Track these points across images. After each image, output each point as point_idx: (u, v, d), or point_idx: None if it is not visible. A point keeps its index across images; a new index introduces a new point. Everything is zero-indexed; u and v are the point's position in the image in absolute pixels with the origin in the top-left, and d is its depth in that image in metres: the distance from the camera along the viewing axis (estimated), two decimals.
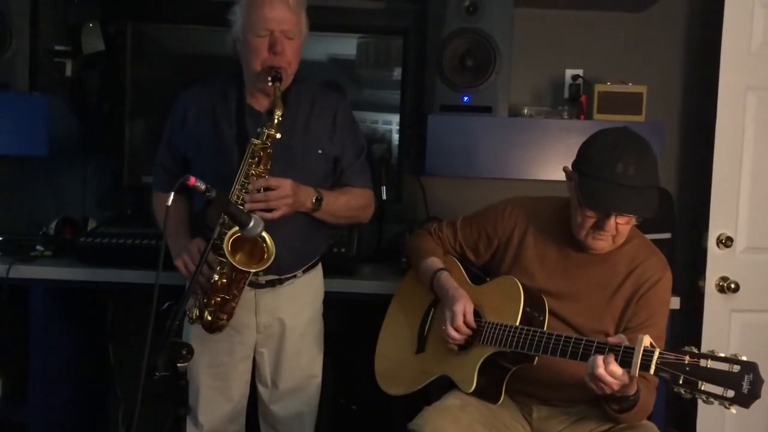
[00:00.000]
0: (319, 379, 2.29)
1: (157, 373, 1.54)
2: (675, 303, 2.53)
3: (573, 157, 1.92)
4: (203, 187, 1.67)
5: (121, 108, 2.94)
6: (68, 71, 2.86)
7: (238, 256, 1.91)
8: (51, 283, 2.54)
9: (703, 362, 1.53)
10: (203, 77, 2.22)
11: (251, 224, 1.75)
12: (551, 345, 1.77)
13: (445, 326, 1.94)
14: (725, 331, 2.73)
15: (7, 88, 2.61)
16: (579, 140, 1.94)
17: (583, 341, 1.72)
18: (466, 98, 2.69)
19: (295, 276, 2.18)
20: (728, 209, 2.71)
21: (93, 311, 2.98)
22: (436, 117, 2.68)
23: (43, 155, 2.63)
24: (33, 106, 2.60)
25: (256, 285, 2.11)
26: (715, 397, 1.51)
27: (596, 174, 1.80)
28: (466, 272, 2.11)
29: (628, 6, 2.92)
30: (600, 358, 1.64)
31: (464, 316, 1.92)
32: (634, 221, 1.87)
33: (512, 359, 1.88)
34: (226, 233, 1.91)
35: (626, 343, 1.67)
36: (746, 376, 1.49)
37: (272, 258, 1.90)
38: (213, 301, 1.98)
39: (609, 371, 1.63)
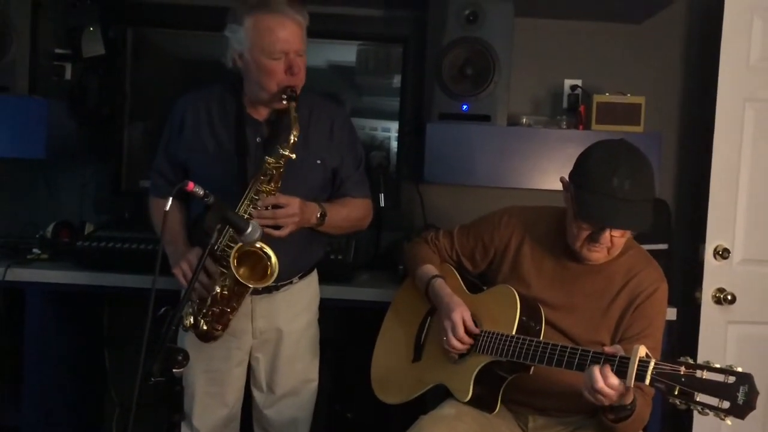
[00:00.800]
0: (315, 384, 2.29)
1: (152, 379, 1.53)
2: (671, 314, 2.53)
3: (571, 167, 1.92)
4: (201, 192, 1.67)
5: (121, 112, 2.95)
6: (68, 75, 2.86)
7: (242, 270, 1.91)
8: (47, 286, 2.53)
9: (698, 373, 1.52)
10: (201, 83, 2.22)
11: (249, 230, 1.75)
12: (547, 355, 1.76)
13: (446, 337, 1.94)
14: (721, 343, 2.73)
15: (7, 90, 2.61)
16: (577, 150, 1.93)
17: (579, 351, 1.72)
18: (465, 107, 2.70)
19: (291, 282, 2.18)
20: (725, 221, 2.71)
21: (89, 315, 2.98)
22: (435, 125, 2.68)
23: (41, 158, 2.63)
24: (32, 109, 2.60)
25: (252, 291, 2.10)
26: (711, 408, 1.50)
27: (592, 187, 1.80)
28: (462, 281, 2.11)
29: (627, 17, 2.94)
30: (598, 372, 1.64)
31: (464, 324, 1.92)
32: (629, 234, 1.87)
33: (508, 368, 1.88)
34: (230, 245, 1.93)
35: (622, 353, 1.66)
36: (741, 387, 1.48)
37: (275, 276, 1.90)
38: (210, 312, 1.98)
39: (608, 384, 1.63)
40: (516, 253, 2.03)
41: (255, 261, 1.92)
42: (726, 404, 1.49)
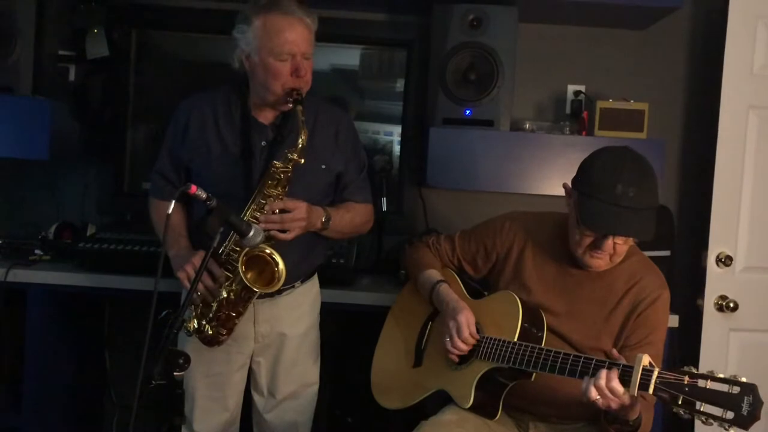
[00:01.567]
0: (315, 387, 2.28)
1: (153, 382, 1.53)
2: (673, 321, 2.52)
3: (574, 173, 1.91)
4: (204, 195, 1.67)
5: (124, 114, 2.96)
6: (72, 76, 2.87)
7: (249, 275, 1.91)
8: (49, 287, 2.53)
9: (702, 382, 1.51)
10: (205, 86, 2.21)
11: (251, 234, 1.76)
12: (549, 362, 1.76)
13: (450, 337, 1.93)
14: (724, 351, 2.72)
15: (11, 91, 2.61)
16: (580, 156, 1.92)
17: (582, 358, 1.71)
18: (468, 112, 2.70)
19: (293, 286, 2.17)
20: (728, 228, 2.71)
21: (90, 317, 2.97)
22: (438, 130, 2.68)
23: (44, 159, 2.63)
24: (35, 110, 2.60)
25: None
26: (714, 418, 1.49)
27: (596, 194, 1.78)
28: (464, 286, 2.10)
29: (630, 24, 2.94)
30: (604, 371, 1.63)
31: (468, 327, 1.92)
32: (632, 241, 1.87)
33: (510, 375, 1.87)
34: (236, 249, 1.93)
35: (624, 362, 1.66)
36: (746, 397, 1.47)
37: (282, 281, 1.90)
38: (216, 317, 1.98)
39: (609, 387, 1.62)
40: (518, 258, 2.02)
41: (262, 266, 1.92)
42: (730, 415, 1.48)
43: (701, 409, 1.50)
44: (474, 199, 2.93)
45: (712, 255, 2.71)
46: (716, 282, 2.71)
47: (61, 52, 2.87)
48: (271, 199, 1.95)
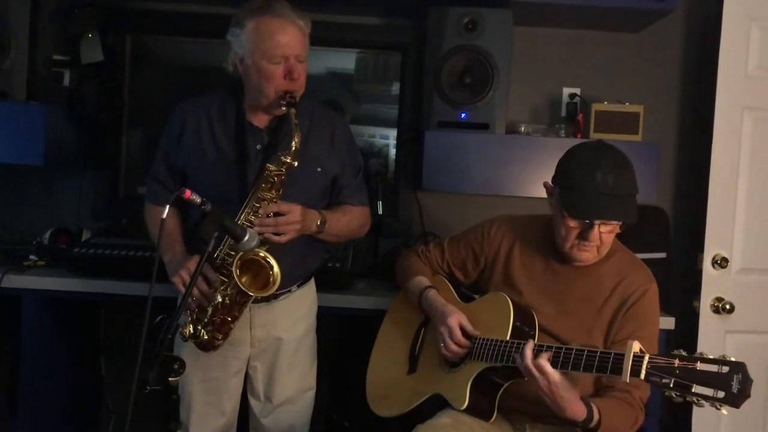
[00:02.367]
0: (312, 392, 2.28)
1: (148, 387, 1.52)
2: (669, 323, 2.52)
3: None
4: (199, 200, 1.67)
5: (119, 119, 2.95)
6: (66, 81, 2.87)
7: (244, 279, 1.91)
8: (43, 293, 2.52)
9: (692, 365, 1.54)
10: (200, 90, 2.21)
11: (246, 238, 1.75)
12: None
13: (443, 343, 1.94)
14: (719, 352, 2.61)
15: (5, 96, 2.61)
16: None
17: (574, 350, 1.72)
18: (463, 115, 2.70)
19: (289, 291, 2.17)
20: (724, 230, 2.71)
21: (85, 323, 2.96)
22: (434, 133, 2.68)
23: (39, 165, 2.63)
24: (30, 115, 2.60)
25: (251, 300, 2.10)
26: (706, 398, 1.51)
27: (577, 185, 1.83)
28: (455, 291, 2.11)
29: (625, 26, 2.94)
30: (528, 348, 1.71)
31: (460, 328, 1.93)
32: (617, 229, 1.89)
33: (504, 374, 1.88)
34: (231, 254, 1.92)
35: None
36: (735, 376, 1.49)
37: (277, 285, 1.90)
38: (212, 321, 1.97)
39: (535, 364, 1.69)
40: (506, 260, 2.04)
41: (257, 270, 1.92)
42: (721, 394, 1.50)
43: (693, 391, 1.52)
44: (470, 202, 2.93)
45: (707, 257, 2.71)
46: (712, 284, 2.71)
47: (55, 57, 2.87)
48: (265, 202, 1.95)
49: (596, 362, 1.68)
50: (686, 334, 2.72)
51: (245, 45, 1.99)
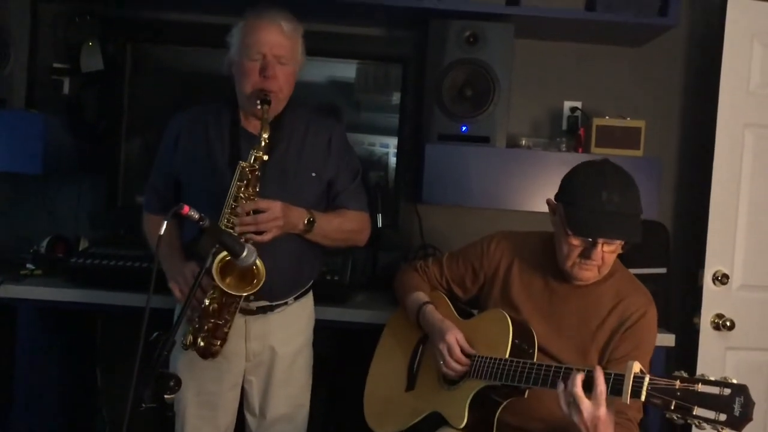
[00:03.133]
0: (306, 409, 2.26)
1: (143, 405, 1.50)
2: (670, 340, 2.51)
3: None
4: (197, 216, 1.65)
5: (118, 127, 2.93)
6: (66, 89, 2.86)
7: (228, 280, 1.89)
8: (40, 303, 2.50)
9: (694, 386, 1.52)
10: (199, 99, 2.22)
11: (244, 254, 1.73)
12: (541, 376, 1.75)
13: (443, 360, 1.92)
14: (720, 369, 2.70)
15: (4, 104, 2.60)
16: None
17: (573, 370, 1.70)
18: (464, 128, 2.69)
19: (286, 303, 2.15)
20: (725, 246, 2.70)
21: (81, 333, 2.94)
22: (434, 146, 2.67)
23: (37, 173, 2.61)
24: (29, 123, 2.58)
25: (246, 312, 2.08)
26: (708, 421, 1.49)
27: (582, 203, 1.82)
28: (454, 307, 2.10)
29: (627, 40, 2.94)
30: (579, 378, 1.64)
31: (459, 345, 1.91)
32: (619, 249, 1.87)
33: (503, 392, 1.86)
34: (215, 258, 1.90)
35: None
36: (737, 398, 1.47)
37: (262, 281, 1.87)
38: (205, 327, 1.95)
39: (572, 393, 1.62)
40: (505, 277, 2.03)
41: (242, 270, 1.88)
42: (723, 417, 1.48)
43: (694, 413, 1.50)
44: (470, 216, 2.92)
45: (708, 273, 2.70)
46: (713, 300, 2.70)
47: (55, 65, 2.87)
48: (243, 200, 1.93)
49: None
50: (686, 350, 2.71)
51: (234, 46, 2.05)
